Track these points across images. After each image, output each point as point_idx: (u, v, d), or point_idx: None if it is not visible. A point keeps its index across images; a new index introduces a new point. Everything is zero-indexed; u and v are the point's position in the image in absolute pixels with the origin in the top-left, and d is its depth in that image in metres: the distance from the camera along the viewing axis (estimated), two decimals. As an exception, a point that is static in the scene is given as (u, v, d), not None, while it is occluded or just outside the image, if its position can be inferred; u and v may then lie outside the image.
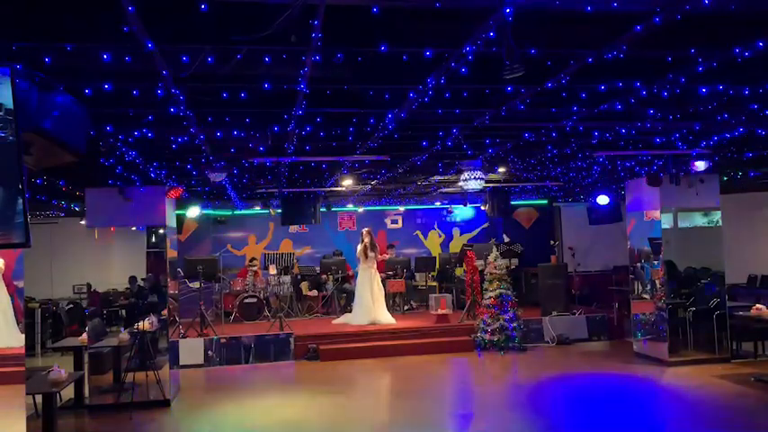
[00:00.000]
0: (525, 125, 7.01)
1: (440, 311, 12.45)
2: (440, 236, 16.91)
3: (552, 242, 16.21)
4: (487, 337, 11.23)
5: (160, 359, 8.50)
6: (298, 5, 3.34)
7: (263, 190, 11.86)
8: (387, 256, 14.17)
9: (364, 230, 12.73)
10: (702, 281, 10.24)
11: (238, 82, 5.04)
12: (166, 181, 9.42)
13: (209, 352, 10.92)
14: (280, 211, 13.16)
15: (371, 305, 12.24)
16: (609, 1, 3.63)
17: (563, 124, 6.75)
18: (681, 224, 10.23)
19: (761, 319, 8.98)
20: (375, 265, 12.53)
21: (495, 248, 12.22)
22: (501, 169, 10.41)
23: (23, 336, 5.88)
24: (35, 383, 6.84)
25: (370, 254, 12.39)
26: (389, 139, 7.15)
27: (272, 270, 14.11)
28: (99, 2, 3.73)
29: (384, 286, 12.96)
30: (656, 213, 10.09)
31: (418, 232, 16.85)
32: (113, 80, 4.68)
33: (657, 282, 10.14)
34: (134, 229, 8.83)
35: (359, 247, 12.49)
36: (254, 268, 14.09)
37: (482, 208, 15.11)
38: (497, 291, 11.41)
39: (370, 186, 11.69)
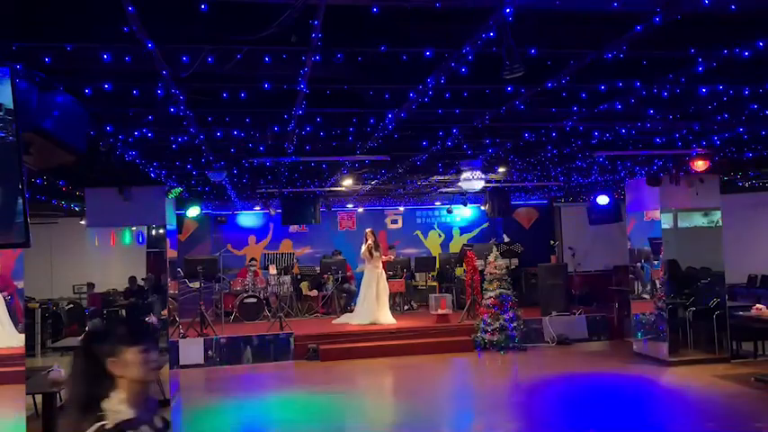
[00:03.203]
0: (525, 125, 7.00)
1: (440, 311, 12.45)
2: (440, 236, 16.90)
3: (552, 242, 16.21)
4: (487, 337, 11.23)
5: (160, 359, 8.49)
6: (298, 5, 3.34)
7: (263, 190, 11.85)
8: (391, 258, 14.13)
9: (368, 231, 12.71)
10: (702, 281, 10.24)
11: (238, 82, 5.03)
12: (166, 181, 9.41)
13: (210, 352, 10.92)
14: (280, 210, 13.17)
15: (375, 305, 12.23)
16: (609, 1, 3.63)
17: (563, 124, 6.75)
18: (681, 224, 10.24)
19: (761, 319, 8.99)
20: (381, 265, 12.52)
21: (495, 248, 12.22)
22: (501, 169, 10.41)
23: (23, 335, 5.87)
24: (35, 383, 6.84)
25: (375, 253, 12.38)
26: (389, 139, 7.14)
27: (272, 270, 14.11)
28: (99, 2, 3.73)
29: (384, 286, 12.94)
30: (656, 213, 10.09)
31: (418, 232, 16.84)
32: (113, 80, 4.67)
33: (657, 282, 10.14)
34: (134, 229, 8.84)
35: (363, 248, 12.46)
36: (254, 268, 14.09)
37: (482, 208, 15.11)
38: (497, 291, 11.41)
39: (370, 186, 11.68)
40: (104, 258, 8.77)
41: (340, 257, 14.70)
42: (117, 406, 2.16)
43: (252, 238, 16.09)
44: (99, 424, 2.10)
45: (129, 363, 2.20)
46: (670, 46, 4.52)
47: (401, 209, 16.55)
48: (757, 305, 9.23)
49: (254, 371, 10.65)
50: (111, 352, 2.20)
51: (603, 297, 13.73)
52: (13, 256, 5.58)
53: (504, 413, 7.77)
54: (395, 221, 16.79)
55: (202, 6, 3.45)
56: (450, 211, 16.04)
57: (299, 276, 14.62)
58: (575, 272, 13.94)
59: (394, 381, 10.06)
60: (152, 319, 8.54)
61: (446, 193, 13.69)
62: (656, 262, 10.18)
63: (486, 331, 11.28)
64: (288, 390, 9.39)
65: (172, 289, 9.23)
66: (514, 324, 11.26)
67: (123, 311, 8.92)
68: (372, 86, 5.39)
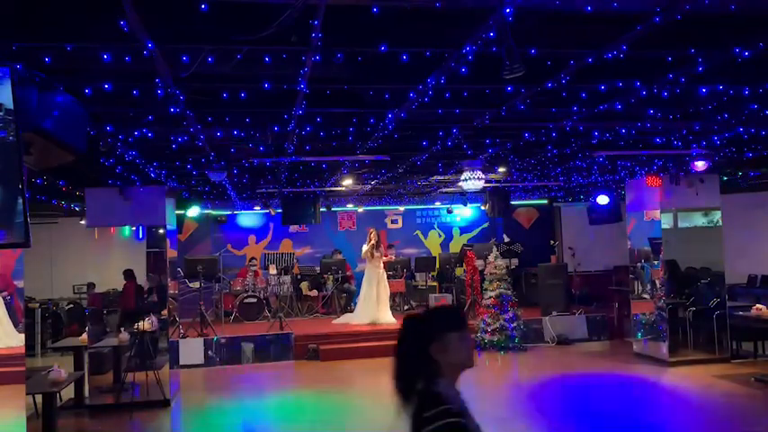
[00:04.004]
0: (525, 125, 7.01)
1: (440, 311, 12.42)
2: (440, 236, 16.90)
3: (552, 242, 16.21)
4: (487, 337, 11.23)
5: (160, 359, 8.50)
6: (298, 5, 3.34)
7: (263, 190, 11.86)
8: (392, 258, 14.11)
9: (372, 231, 12.67)
10: (702, 281, 10.24)
11: (238, 82, 5.04)
12: (166, 181, 9.42)
13: (210, 352, 10.92)
14: (280, 210, 13.17)
15: (376, 305, 12.21)
16: (609, 1, 3.63)
17: (563, 124, 6.76)
18: (681, 224, 10.23)
19: (761, 319, 8.98)
20: (382, 265, 12.50)
21: (495, 248, 12.22)
22: (501, 169, 10.41)
23: (23, 335, 5.87)
24: (35, 383, 6.84)
25: (376, 253, 12.37)
26: (389, 139, 7.15)
27: (272, 270, 14.10)
28: (99, 2, 3.74)
29: (385, 286, 12.91)
30: (656, 213, 10.08)
31: (418, 232, 16.84)
32: (113, 80, 4.68)
33: (657, 282, 10.14)
34: (134, 228, 8.83)
35: (365, 247, 12.42)
36: (254, 268, 14.09)
37: (482, 208, 15.11)
38: (497, 291, 11.41)
39: (370, 186, 11.69)
40: (104, 258, 8.76)
41: (340, 257, 14.71)
42: (448, 390, 2.17)
43: (252, 238, 16.09)
44: (444, 407, 2.09)
45: (452, 348, 2.19)
46: (670, 46, 4.53)
47: (401, 209, 16.55)
48: (757, 305, 9.22)
49: (254, 371, 10.64)
50: (436, 336, 2.19)
51: (603, 297, 13.73)
52: (13, 256, 5.57)
53: (504, 413, 7.77)
54: (395, 221, 16.78)
55: (202, 6, 3.45)
56: (450, 211, 16.04)
57: (299, 276, 14.62)
58: (575, 272, 13.94)
59: (394, 381, 10.05)
60: (152, 319, 8.54)
61: (446, 192, 13.69)
62: (656, 262, 10.18)
63: (486, 331, 11.28)
64: (288, 390, 9.40)
65: (172, 289, 9.22)
66: (514, 324, 11.26)
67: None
68: (372, 86, 5.39)
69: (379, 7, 3.66)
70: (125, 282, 8.78)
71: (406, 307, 14.22)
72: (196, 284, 12.10)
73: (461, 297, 13.53)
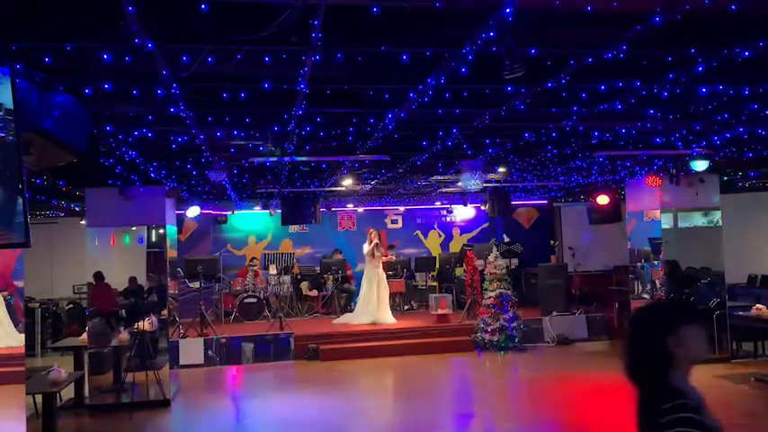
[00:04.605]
0: (525, 125, 7.01)
1: (440, 311, 12.44)
2: (440, 236, 16.90)
3: (552, 242, 16.20)
4: (487, 337, 11.23)
5: (160, 359, 8.51)
6: (298, 5, 3.34)
7: (263, 190, 11.85)
8: (392, 259, 14.11)
9: (373, 231, 12.66)
10: (702, 281, 10.24)
11: (238, 82, 5.03)
12: (166, 181, 9.42)
13: (210, 352, 10.92)
14: (280, 211, 13.16)
15: (376, 305, 12.22)
16: (609, 1, 3.63)
17: (563, 124, 6.75)
18: (681, 224, 10.23)
19: (761, 318, 8.99)
20: (381, 265, 12.51)
21: (495, 248, 12.22)
22: (501, 169, 10.41)
23: (23, 335, 5.87)
24: (35, 383, 6.85)
25: (377, 253, 12.37)
26: (389, 139, 7.14)
27: (272, 270, 14.10)
28: (99, 2, 3.74)
29: (384, 286, 12.91)
30: (656, 213, 10.08)
31: (418, 232, 16.84)
32: (113, 80, 4.68)
33: (657, 282, 10.14)
34: (134, 228, 8.84)
35: (367, 247, 12.40)
36: (255, 268, 14.09)
37: (482, 208, 15.11)
38: (497, 291, 11.41)
39: (370, 186, 11.69)
40: (104, 258, 8.76)
41: (340, 257, 14.70)
42: (684, 384, 2.17)
43: (252, 239, 16.09)
44: (681, 401, 2.10)
45: (690, 341, 2.17)
46: (670, 46, 4.53)
47: (401, 209, 16.54)
48: (757, 305, 9.23)
49: (254, 371, 10.65)
50: (674, 329, 2.17)
51: (603, 297, 13.72)
52: (13, 256, 5.57)
53: (504, 413, 7.77)
54: (395, 221, 16.78)
55: (202, 6, 3.45)
56: (450, 211, 16.03)
57: (299, 276, 14.62)
58: (575, 272, 13.93)
59: (394, 381, 10.06)
60: (152, 319, 8.54)
61: (446, 192, 13.69)
62: (656, 262, 10.18)
63: (486, 331, 11.28)
64: (288, 390, 9.39)
65: (172, 289, 9.22)
66: (514, 324, 11.26)
67: (123, 311, 8.90)
68: (372, 86, 5.39)
69: (379, 7, 3.66)
70: (94, 283, 8.59)
71: (406, 307, 14.23)
72: (196, 284, 12.10)
73: (461, 297, 13.53)
